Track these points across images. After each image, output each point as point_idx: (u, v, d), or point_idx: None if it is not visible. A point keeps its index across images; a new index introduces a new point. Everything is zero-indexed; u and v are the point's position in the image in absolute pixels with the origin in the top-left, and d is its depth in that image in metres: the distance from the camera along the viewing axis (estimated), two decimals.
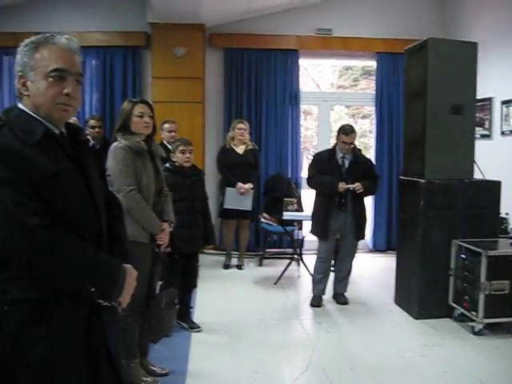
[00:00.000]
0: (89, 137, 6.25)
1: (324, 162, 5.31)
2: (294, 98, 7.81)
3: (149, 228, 3.50)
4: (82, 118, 7.33)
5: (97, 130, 6.36)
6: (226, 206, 6.67)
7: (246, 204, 6.66)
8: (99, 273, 1.81)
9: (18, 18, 7.33)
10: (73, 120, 5.73)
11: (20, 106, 1.85)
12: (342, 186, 5.11)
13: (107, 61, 7.60)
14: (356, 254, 5.50)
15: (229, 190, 6.65)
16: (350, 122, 13.99)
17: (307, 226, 5.60)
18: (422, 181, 4.87)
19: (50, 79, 1.80)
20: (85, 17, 7.42)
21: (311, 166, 5.42)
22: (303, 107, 8.60)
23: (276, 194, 7.32)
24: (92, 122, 6.39)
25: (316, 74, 12.01)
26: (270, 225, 6.96)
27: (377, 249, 7.97)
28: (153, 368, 3.73)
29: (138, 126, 3.52)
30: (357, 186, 5.10)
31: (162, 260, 3.78)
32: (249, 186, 6.66)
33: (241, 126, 6.85)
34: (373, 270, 6.88)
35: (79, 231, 1.80)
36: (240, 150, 6.83)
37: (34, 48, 1.82)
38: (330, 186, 5.16)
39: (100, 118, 6.61)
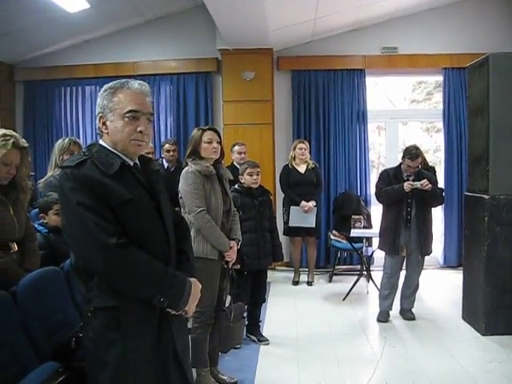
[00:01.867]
0: (164, 160, 6.64)
1: (390, 179, 5.40)
2: (361, 116, 7.92)
3: (218, 246, 3.75)
4: (157, 142, 7.78)
5: (171, 153, 6.69)
6: (291, 224, 6.87)
7: (310, 221, 6.84)
8: (167, 285, 2.06)
9: (98, 50, 7.88)
10: (149, 146, 6.15)
11: (100, 141, 2.17)
12: (408, 184, 5.16)
13: (180, 86, 8.01)
14: (424, 270, 5.54)
15: (293, 208, 6.86)
16: (424, 136, 13.88)
17: (376, 242, 5.70)
18: (487, 196, 4.89)
19: (126, 119, 2.09)
20: (160, 46, 7.87)
21: (378, 182, 5.53)
22: (377, 123, 8.67)
23: (345, 211, 7.44)
24: (167, 146, 6.73)
25: (388, 89, 12.03)
26: (339, 242, 7.09)
27: (448, 265, 7.89)
28: (222, 377, 3.98)
29: (207, 151, 3.80)
30: (424, 182, 5.12)
31: (230, 276, 4.02)
32: (312, 203, 6.83)
33: (301, 145, 7.05)
34: (442, 286, 6.85)
35: (150, 249, 2.08)
36: (301, 169, 7.02)
37: (112, 93, 2.12)
38: (397, 190, 5.21)
39: (174, 141, 6.96)
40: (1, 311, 2.56)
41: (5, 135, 3.03)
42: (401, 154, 5.52)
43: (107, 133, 2.14)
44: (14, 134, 3.10)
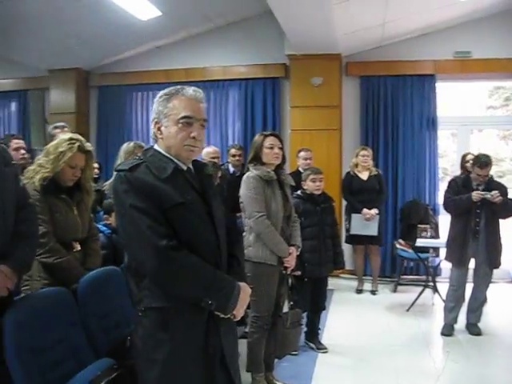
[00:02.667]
0: (230, 165, 6.71)
1: (459, 188, 5.25)
2: (431, 122, 7.73)
3: (277, 251, 3.75)
4: (224, 146, 7.86)
5: (237, 158, 6.75)
6: (353, 231, 6.79)
7: (373, 229, 6.73)
8: (216, 288, 2.08)
9: (169, 56, 8.07)
10: (213, 149, 6.23)
11: (155, 146, 2.22)
12: (477, 194, 4.99)
13: (248, 92, 8.08)
14: (493, 284, 5.34)
15: (354, 216, 6.76)
16: (501, 144, 13.41)
17: (444, 252, 5.54)
18: None
19: (180, 125, 2.13)
20: (228, 52, 7.98)
21: (447, 191, 5.37)
22: (450, 130, 8.44)
23: (412, 220, 7.28)
24: (233, 151, 6.79)
25: (461, 95, 11.69)
26: (405, 251, 6.93)
27: None
28: (277, 383, 3.97)
29: (269, 156, 3.81)
30: (494, 193, 4.93)
31: (289, 282, 4.01)
32: (374, 211, 6.71)
33: (364, 152, 6.96)
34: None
35: (201, 252, 2.10)
36: (364, 176, 6.92)
37: (167, 99, 2.16)
38: (465, 200, 5.05)
39: (240, 147, 7.01)
40: (62, 307, 2.67)
41: (71, 139, 3.15)
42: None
43: (162, 138, 2.18)
44: (80, 137, 3.22)
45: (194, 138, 2.15)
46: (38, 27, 6.65)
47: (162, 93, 2.21)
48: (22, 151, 4.36)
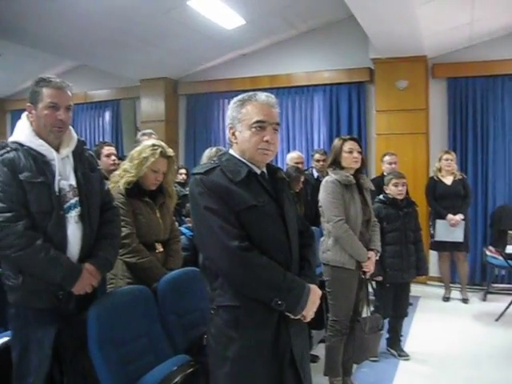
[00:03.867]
0: (314, 169, 6.73)
1: None
2: None
3: (355, 256, 3.75)
4: (310, 151, 7.89)
5: (321, 163, 6.73)
6: (437, 238, 6.60)
7: (458, 236, 6.49)
8: (286, 289, 2.12)
9: (254, 63, 8.22)
10: (297, 154, 6.29)
11: (230, 151, 2.30)
12: None
13: (333, 97, 8.09)
14: None
15: (439, 222, 6.57)
16: None
17: None
18: None
19: (253, 129, 2.20)
20: (312, 58, 8.02)
21: None
22: None
23: (503, 225, 6.99)
24: (317, 156, 6.80)
25: None
26: (496, 258, 6.66)
27: None
28: None
29: (348, 161, 3.82)
30: None
31: (368, 287, 3.99)
32: (459, 217, 6.49)
33: (447, 156, 6.74)
34: None
35: (272, 254, 2.16)
36: (448, 180, 6.70)
37: (240, 105, 2.24)
38: None
39: (325, 152, 7.00)
40: (142, 305, 2.81)
41: (153, 145, 3.31)
42: None
43: (236, 143, 2.26)
44: (162, 144, 3.37)
45: (267, 141, 2.20)
46: (128, 40, 6.98)
47: (235, 99, 2.29)
48: (113, 157, 4.59)
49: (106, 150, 4.56)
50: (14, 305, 2.54)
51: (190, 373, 2.54)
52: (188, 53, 7.76)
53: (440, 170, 6.79)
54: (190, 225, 4.07)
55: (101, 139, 9.21)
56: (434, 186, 6.78)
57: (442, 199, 6.66)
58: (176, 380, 2.46)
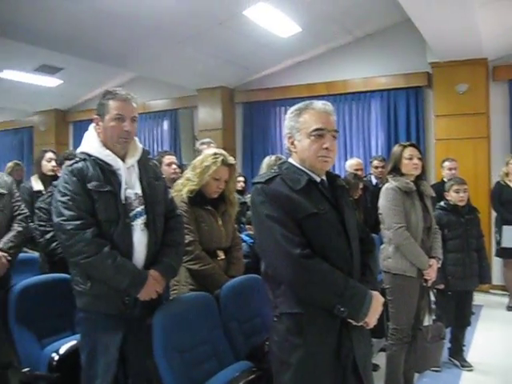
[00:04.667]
0: (372, 176, 6.67)
1: None
2: None
3: (416, 263, 3.69)
4: (367, 157, 7.83)
5: (380, 169, 6.68)
6: (504, 244, 6.41)
7: None
8: (348, 295, 2.12)
9: (311, 70, 8.22)
10: (356, 161, 6.26)
11: (290, 160, 2.33)
12: None
13: (391, 102, 8.01)
14: None
15: (505, 228, 6.38)
16: None
17: None
18: None
19: (312, 137, 2.22)
20: (369, 63, 7.97)
21: None
22: None
23: None
24: (375, 163, 6.74)
25: None
26: None
27: None
28: None
29: (408, 167, 3.78)
30: None
31: (430, 295, 3.92)
32: None
33: None
34: None
35: (333, 261, 2.17)
36: None
37: (297, 114, 2.27)
38: None
39: (383, 158, 6.93)
40: (205, 311, 2.86)
41: (215, 154, 3.37)
42: None
43: (295, 151, 2.29)
44: (223, 152, 3.43)
45: (326, 148, 2.22)
46: (186, 50, 7.12)
47: (292, 109, 2.32)
48: (174, 166, 4.68)
49: (167, 159, 4.65)
50: (82, 309, 2.62)
51: (252, 379, 2.57)
52: (244, 61, 7.85)
53: (507, 174, 6.61)
54: (250, 232, 4.11)
55: (159, 148, 9.41)
56: (500, 191, 6.61)
57: (510, 204, 6.47)
58: None
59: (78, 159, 2.62)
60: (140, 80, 9.02)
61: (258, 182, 2.23)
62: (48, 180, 4.82)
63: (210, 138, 5.50)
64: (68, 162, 2.76)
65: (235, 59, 7.67)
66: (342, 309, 2.10)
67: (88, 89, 10.01)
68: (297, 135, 2.26)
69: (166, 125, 9.77)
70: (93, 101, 10.22)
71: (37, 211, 3.74)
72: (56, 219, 2.51)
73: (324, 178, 2.33)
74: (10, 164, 6.72)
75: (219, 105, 8.80)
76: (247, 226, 4.16)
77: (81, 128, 10.77)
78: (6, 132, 12.07)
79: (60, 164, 4.09)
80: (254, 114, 8.89)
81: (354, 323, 2.17)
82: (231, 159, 3.45)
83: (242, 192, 6.30)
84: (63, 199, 2.49)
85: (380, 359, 4.25)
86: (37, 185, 4.87)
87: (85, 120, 10.51)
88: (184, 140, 9.14)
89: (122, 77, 9.27)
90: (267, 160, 4.74)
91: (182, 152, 8.99)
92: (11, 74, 8.45)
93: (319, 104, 2.27)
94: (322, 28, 7.23)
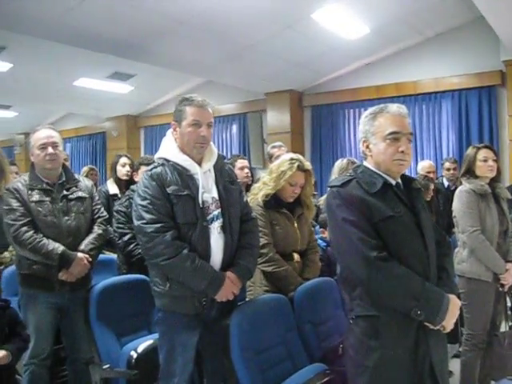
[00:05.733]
0: (444, 178, 6.54)
1: None
2: None
3: (492, 267, 3.61)
4: (438, 159, 7.67)
5: (452, 171, 6.51)
6: None
7: None
8: (425, 299, 2.11)
9: (379, 71, 8.13)
10: (428, 163, 6.15)
11: (365, 163, 2.34)
12: None
13: (462, 103, 7.79)
14: None
15: None
16: None
17: None
18: None
19: (388, 141, 2.23)
20: (440, 63, 7.75)
21: None
22: None
23: None
24: (447, 165, 6.56)
25: None
26: None
27: None
28: None
29: (482, 169, 3.71)
30: None
31: (507, 300, 3.82)
32: None
33: None
34: None
35: (409, 264, 2.17)
36: None
37: (372, 118, 2.28)
38: None
39: (455, 160, 6.76)
40: (280, 313, 2.90)
41: (291, 159, 3.41)
42: None
43: (371, 155, 2.30)
44: (300, 157, 3.47)
45: (402, 152, 2.22)
46: (254, 55, 7.20)
47: (366, 113, 2.33)
48: (246, 170, 4.75)
49: (240, 163, 4.72)
50: (160, 310, 2.71)
51: (326, 382, 2.59)
52: (312, 64, 7.85)
53: None
54: (323, 235, 4.12)
55: (228, 152, 9.52)
56: None
57: None
58: None
59: (156, 164, 2.71)
60: (209, 85, 9.15)
61: (333, 186, 2.26)
62: (123, 184, 4.99)
63: (278, 141, 5.54)
64: (147, 167, 2.86)
65: (304, 62, 7.68)
66: (419, 312, 2.10)
67: (158, 94, 10.26)
68: (372, 139, 2.27)
69: (234, 128, 9.87)
70: (163, 106, 10.52)
71: (115, 214, 3.88)
72: (137, 222, 2.61)
73: (399, 180, 2.33)
74: (85, 168, 6.94)
75: (288, 108, 8.82)
76: (320, 230, 4.17)
77: (151, 133, 11.10)
78: (80, 137, 12.52)
79: (136, 169, 4.22)
80: (322, 117, 8.87)
81: (431, 327, 2.16)
82: (307, 164, 3.48)
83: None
84: (143, 203, 2.59)
85: (453, 365, 4.16)
86: (112, 188, 5.02)
87: (155, 125, 10.86)
88: (253, 144, 9.21)
89: (191, 82, 9.45)
90: (339, 163, 4.74)
91: (251, 155, 9.06)
92: (86, 82, 8.75)
93: (394, 107, 2.28)
94: (392, 29, 7.13)
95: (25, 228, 3.07)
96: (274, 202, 3.36)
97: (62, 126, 11.90)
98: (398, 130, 2.22)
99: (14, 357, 2.68)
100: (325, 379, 2.60)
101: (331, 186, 2.28)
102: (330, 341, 3.02)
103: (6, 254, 3.66)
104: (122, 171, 5.05)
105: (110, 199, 4.75)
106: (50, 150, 3.20)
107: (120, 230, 3.80)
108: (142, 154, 10.29)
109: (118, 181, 5.06)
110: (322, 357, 2.88)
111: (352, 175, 2.30)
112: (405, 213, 2.23)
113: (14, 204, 3.12)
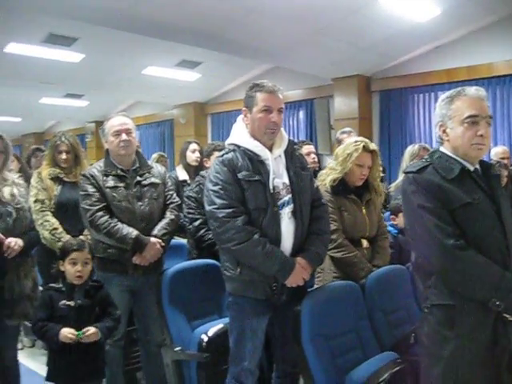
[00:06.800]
0: None
1: None
2: None
3: None
4: None
5: None
6: None
7: None
8: (505, 289, 2.05)
9: (450, 54, 7.86)
10: (502, 149, 5.95)
11: (441, 148, 2.28)
12: None
13: None
14: None
15: None
16: None
17: None
18: None
19: (465, 124, 2.16)
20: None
21: None
22: None
23: None
24: None
25: None
26: None
27: None
28: None
29: None
30: None
31: None
32: None
33: None
34: None
35: (488, 252, 2.10)
36: None
37: (449, 101, 2.21)
38: None
39: None
40: (351, 300, 2.88)
41: (356, 141, 3.40)
42: None
43: (448, 140, 2.24)
44: (365, 139, 3.46)
45: (481, 135, 2.15)
46: (321, 40, 7.11)
47: (443, 96, 2.27)
48: (313, 156, 4.73)
49: (306, 148, 4.70)
50: (231, 294, 2.74)
51: (397, 371, 2.55)
52: (380, 48, 7.68)
53: None
54: (394, 222, 4.05)
55: (295, 139, 9.47)
56: None
57: None
58: (384, 377, 2.50)
59: (227, 150, 2.73)
60: (275, 71, 9.10)
61: (409, 172, 2.21)
62: (192, 170, 5.04)
63: (346, 127, 5.48)
64: (218, 153, 2.88)
65: (371, 47, 7.51)
66: (498, 303, 2.03)
67: (225, 81, 10.31)
68: (449, 123, 2.21)
69: (301, 115, 9.79)
70: (230, 93, 10.56)
71: (185, 199, 3.93)
72: (208, 207, 2.64)
73: (477, 166, 2.26)
74: (154, 155, 7.04)
75: (355, 93, 8.66)
76: (391, 217, 4.10)
77: (218, 119, 11.17)
78: (148, 125, 12.75)
79: (208, 155, 4.25)
80: (391, 102, 8.67)
81: (511, 318, 2.08)
82: (373, 145, 3.46)
83: (380, 181, 6.20)
84: (215, 188, 2.61)
85: None
86: (182, 174, 5.07)
87: (222, 112, 10.92)
88: (320, 130, 9.11)
89: (257, 69, 9.43)
90: (410, 149, 4.65)
91: (318, 142, 8.98)
92: (154, 70, 8.87)
93: (472, 90, 2.20)
94: (463, 9, 6.84)
95: (100, 213, 3.16)
96: (341, 187, 3.33)
97: (131, 113, 11.80)
98: (477, 113, 2.15)
99: (103, 335, 2.78)
100: (396, 368, 2.57)
101: (407, 172, 2.24)
102: (401, 330, 2.98)
103: (82, 237, 3.78)
104: (192, 157, 5.10)
105: (179, 185, 4.80)
106: (124, 136, 3.27)
107: (190, 216, 3.85)
108: (210, 141, 10.37)
109: (187, 167, 5.11)
110: (393, 345, 2.84)
111: (428, 161, 2.24)
112: (483, 200, 2.16)
113: (90, 190, 3.22)
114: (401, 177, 4.85)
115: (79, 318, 2.76)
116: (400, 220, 3.92)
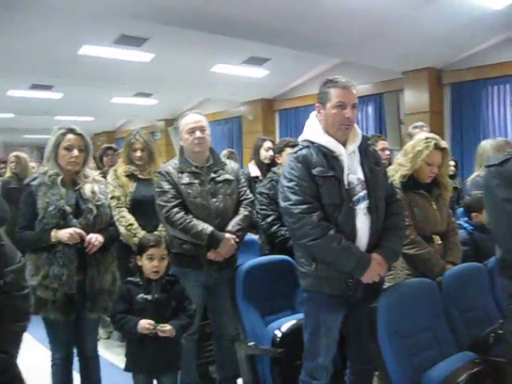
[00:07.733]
0: None
1: None
2: None
3: None
4: None
5: None
6: None
7: None
8: None
9: None
10: None
11: None
12: None
13: None
14: None
15: None
16: None
17: None
18: None
19: None
20: None
21: None
22: None
23: None
24: None
25: None
26: None
27: None
28: None
29: None
30: None
31: None
32: None
33: None
34: None
35: None
36: None
37: None
38: None
39: None
40: (427, 298, 2.83)
41: (427, 138, 3.31)
42: None
43: None
44: (435, 136, 3.35)
45: None
46: (390, 33, 6.99)
47: None
48: (387, 152, 4.66)
49: (381, 144, 4.64)
50: (306, 290, 2.74)
51: (476, 372, 2.49)
52: (452, 39, 7.45)
53: None
54: (476, 219, 3.90)
55: (364, 134, 9.34)
56: None
57: None
58: (462, 378, 2.45)
59: (301, 146, 2.73)
60: (343, 65, 9.00)
61: (491, 165, 2.14)
62: (264, 167, 5.06)
63: (416, 121, 5.37)
64: (290, 149, 2.89)
65: (442, 37, 7.29)
66: None
67: (293, 78, 10.29)
68: None
69: (370, 109, 9.66)
70: (297, 89, 10.54)
71: (258, 196, 3.95)
72: (283, 203, 2.65)
73: None
74: (224, 152, 7.10)
75: (426, 87, 8.45)
76: (474, 214, 3.92)
77: (286, 116, 11.18)
78: (217, 122, 12.88)
79: (279, 151, 4.25)
80: (463, 95, 8.42)
81: None
82: (444, 143, 3.36)
83: (453, 177, 6.04)
84: (290, 185, 2.62)
85: None
86: (254, 171, 5.11)
87: (290, 108, 10.92)
88: (389, 124, 8.97)
89: (325, 64, 9.35)
90: (492, 142, 4.52)
91: (388, 137, 8.81)
92: (222, 68, 8.97)
93: None
94: None
95: (176, 209, 3.23)
96: (411, 183, 3.28)
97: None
98: None
99: (177, 333, 2.86)
100: (475, 369, 2.50)
101: (489, 166, 2.16)
102: (478, 329, 2.90)
103: (156, 233, 3.87)
104: (266, 155, 5.11)
105: (251, 181, 4.83)
106: (198, 133, 3.32)
107: (263, 212, 3.87)
108: (278, 137, 10.39)
109: (259, 163, 5.14)
110: (471, 345, 2.77)
111: (511, 154, 2.15)
112: None
113: (166, 186, 3.29)
114: (477, 171, 4.71)
115: (156, 312, 2.84)
116: (483, 217, 3.77)
